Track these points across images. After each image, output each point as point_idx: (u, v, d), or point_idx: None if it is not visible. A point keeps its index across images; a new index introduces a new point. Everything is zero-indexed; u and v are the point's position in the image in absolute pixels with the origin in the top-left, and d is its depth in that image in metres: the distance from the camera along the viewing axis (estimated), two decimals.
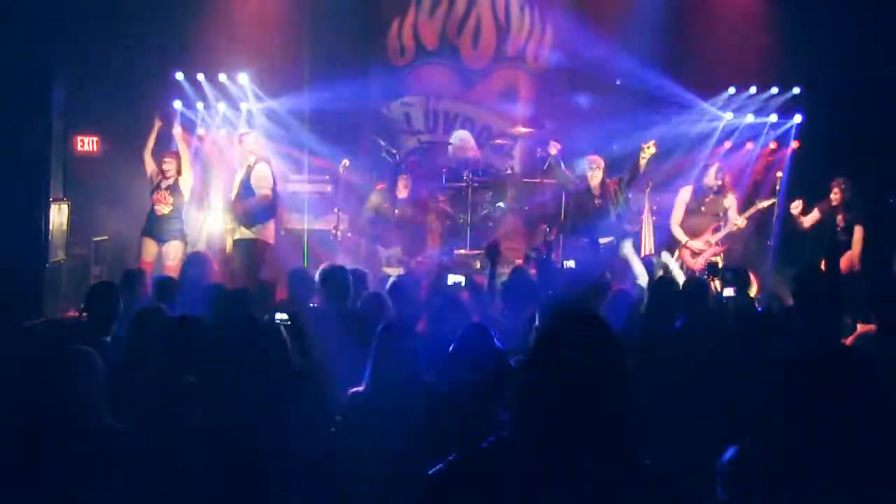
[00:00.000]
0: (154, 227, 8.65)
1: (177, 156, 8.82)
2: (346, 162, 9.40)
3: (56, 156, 8.97)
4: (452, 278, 6.05)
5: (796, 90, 9.99)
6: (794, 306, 4.97)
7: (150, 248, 8.65)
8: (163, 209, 8.65)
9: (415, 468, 2.95)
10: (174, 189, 8.72)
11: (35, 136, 8.48)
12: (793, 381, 2.12)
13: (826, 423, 2.00)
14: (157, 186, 8.71)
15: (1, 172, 8.03)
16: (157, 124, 8.89)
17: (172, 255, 8.58)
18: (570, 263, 8.04)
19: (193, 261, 6.99)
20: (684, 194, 8.79)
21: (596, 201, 8.53)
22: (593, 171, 8.55)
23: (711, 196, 8.65)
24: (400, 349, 3.72)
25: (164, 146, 8.97)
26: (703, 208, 8.66)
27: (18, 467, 2.85)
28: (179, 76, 9.83)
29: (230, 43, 9.89)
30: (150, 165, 8.79)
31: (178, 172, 8.75)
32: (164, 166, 8.68)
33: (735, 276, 6.50)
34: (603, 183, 8.53)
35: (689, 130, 10.15)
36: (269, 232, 8.46)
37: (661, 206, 9.41)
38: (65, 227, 8.99)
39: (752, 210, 8.72)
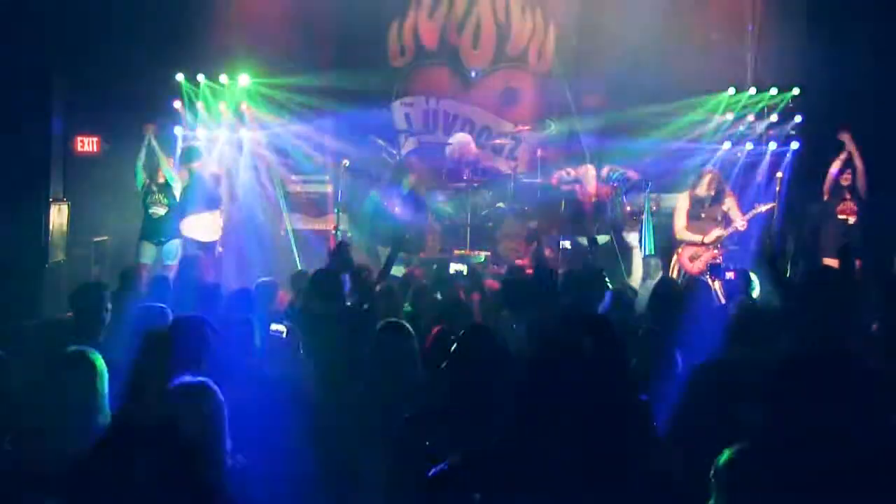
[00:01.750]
0: (152, 230, 8.67)
1: (167, 158, 8.86)
2: (346, 162, 9.41)
3: (56, 156, 8.97)
4: (454, 267, 6.03)
5: (795, 91, 9.99)
6: (796, 306, 4.96)
7: (148, 250, 8.66)
8: (158, 211, 8.69)
9: (409, 467, 2.96)
10: (167, 191, 8.74)
11: (35, 136, 8.49)
12: (791, 383, 2.12)
13: (824, 424, 2.00)
14: (150, 190, 8.74)
15: (1, 172, 8.03)
16: (149, 134, 8.83)
17: (173, 254, 8.61)
18: (566, 244, 8.04)
19: (190, 262, 6.99)
20: (683, 202, 8.78)
21: (592, 200, 8.54)
22: (590, 173, 8.54)
23: (709, 203, 8.66)
24: (397, 347, 3.71)
25: (152, 151, 8.94)
26: (703, 214, 8.65)
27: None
28: (179, 76, 9.83)
29: (230, 43, 9.89)
30: (141, 174, 8.76)
31: (164, 175, 8.80)
32: (155, 171, 8.73)
33: (736, 277, 6.49)
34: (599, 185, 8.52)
35: (689, 131, 10.17)
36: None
37: (660, 207, 9.41)
38: (65, 227, 9.00)
39: (752, 213, 8.72)
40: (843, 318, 4.46)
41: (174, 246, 8.68)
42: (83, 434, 2.92)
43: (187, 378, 2.87)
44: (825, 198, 8.86)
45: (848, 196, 8.69)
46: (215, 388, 2.85)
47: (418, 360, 3.77)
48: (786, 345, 4.04)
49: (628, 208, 9.31)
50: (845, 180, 8.72)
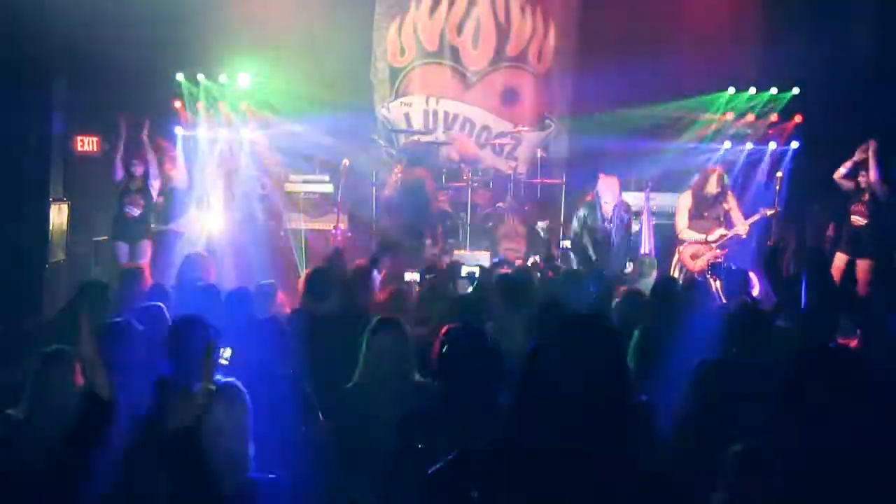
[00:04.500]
0: (125, 229, 8.77)
1: (145, 159, 8.87)
2: (346, 161, 9.42)
3: (56, 156, 8.97)
4: (466, 269, 6.03)
5: (796, 90, 9.98)
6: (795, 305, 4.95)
7: (122, 250, 8.72)
8: (134, 211, 8.75)
9: (406, 465, 2.95)
10: (145, 192, 8.78)
11: (35, 136, 8.49)
12: (793, 381, 2.12)
13: (826, 423, 2.00)
14: (128, 189, 8.77)
15: (1, 172, 8.03)
16: (124, 130, 8.84)
17: (143, 253, 8.72)
18: (566, 244, 7.96)
19: (190, 262, 6.97)
20: (685, 201, 8.70)
21: (607, 225, 8.25)
22: (607, 196, 8.23)
23: (713, 202, 8.61)
24: (392, 345, 3.69)
25: (135, 149, 8.93)
26: (705, 213, 8.61)
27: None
28: (179, 76, 9.83)
29: (230, 43, 9.89)
30: (120, 170, 8.80)
31: (147, 175, 8.81)
32: (133, 169, 8.75)
33: (737, 277, 6.50)
34: (616, 207, 8.23)
35: (689, 131, 10.17)
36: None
37: (660, 207, 9.40)
38: (65, 227, 9.01)
39: (755, 217, 8.68)
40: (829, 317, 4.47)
41: (145, 246, 8.75)
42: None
43: (219, 377, 2.86)
44: (844, 188, 8.43)
45: (866, 197, 8.46)
46: (244, 390, 2.84)
47: (413, 358, 3.74)
48: (780, 344, 4.04)
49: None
50: (864, 181, 8.48)
